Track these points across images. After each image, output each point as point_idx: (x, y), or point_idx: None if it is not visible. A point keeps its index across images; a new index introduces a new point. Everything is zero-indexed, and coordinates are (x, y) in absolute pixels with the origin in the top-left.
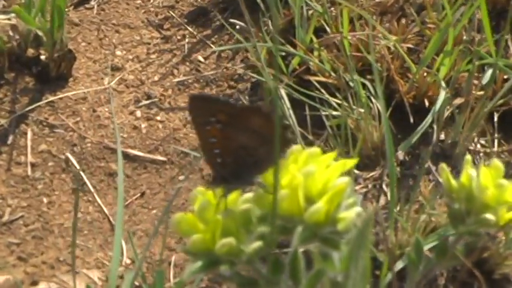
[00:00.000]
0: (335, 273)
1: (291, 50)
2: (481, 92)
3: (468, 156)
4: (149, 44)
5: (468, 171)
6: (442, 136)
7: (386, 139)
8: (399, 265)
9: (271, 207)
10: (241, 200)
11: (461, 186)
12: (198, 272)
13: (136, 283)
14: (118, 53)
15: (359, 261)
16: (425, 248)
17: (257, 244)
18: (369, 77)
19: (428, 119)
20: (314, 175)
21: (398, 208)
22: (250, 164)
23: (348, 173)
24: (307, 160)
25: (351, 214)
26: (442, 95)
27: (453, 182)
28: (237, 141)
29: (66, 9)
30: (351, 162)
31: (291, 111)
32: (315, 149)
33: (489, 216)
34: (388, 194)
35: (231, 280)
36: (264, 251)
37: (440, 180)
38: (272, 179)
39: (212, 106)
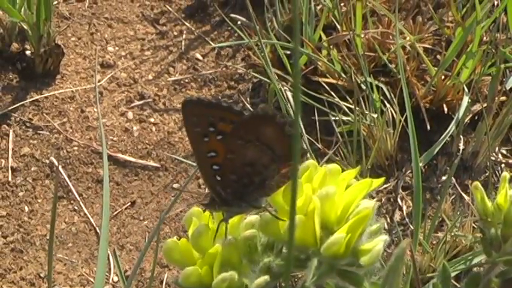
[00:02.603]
0: None
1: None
2: (504, 98)
3: (506, 174)
4: (143, 39)
5: (506, 191)
6: (461, 145)
7: (412, 146)
8: None
9: (283, 235)
10: (244, 224)
11: (497, 209)
12: None
13: None
14: (110, 49)
15: None
16: (452, 274)
17: (263, 279)
18: (382, 79)
19: (452, 127)
20: (333, 198)
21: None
22: (257, 184)
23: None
24: (324, 179)
25: (376, 246)
26: (465, 100)
27: (488, 204)
28: (243, 157)
29: (56, 2)
30: (377, 182)
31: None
32: (334, 166)
33: None
34: (404, 209)
35: None
36: (270, 285)
37: (463, 194)
38: (282, 201)
39: (212, 113)
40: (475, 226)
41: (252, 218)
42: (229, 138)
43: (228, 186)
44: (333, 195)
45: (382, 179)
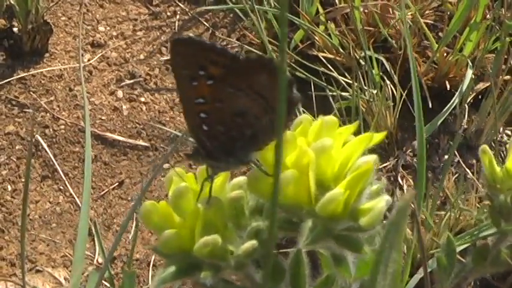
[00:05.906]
0: (350, 282)
1: (295, 19)
2: (508, 77)
3: None
4: (136, 20)
5: None
6: (464, 123)
7: (416, 110)
8: (422, 271)
9: (271, 194)
10: (230, 185)
11: (507, 174)
12: (170, 280)
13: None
14: (101, 28)
15: (390, 266)
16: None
17: (250, 244)
18: (382, 55)
19: (454, 100)
20: (330, 152)
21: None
22: (247, 137)
23: None
24: (319, 132)
25: (378, 205)
26: (469, 74)
27: (497, 168)
28: (234, 106)
29: None
30: (378, 137)
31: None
32: (330, 118)
33: None
34: (405, 188)
35: None
36: (259, 253)
37: (468, 171)
38: (273, 157)
39: (203, 55)
40: (479, 206)
41: (240, 179)
42: (218, 85)
43: (215, 138)
44: (329, 148)
45: (384, 133)
